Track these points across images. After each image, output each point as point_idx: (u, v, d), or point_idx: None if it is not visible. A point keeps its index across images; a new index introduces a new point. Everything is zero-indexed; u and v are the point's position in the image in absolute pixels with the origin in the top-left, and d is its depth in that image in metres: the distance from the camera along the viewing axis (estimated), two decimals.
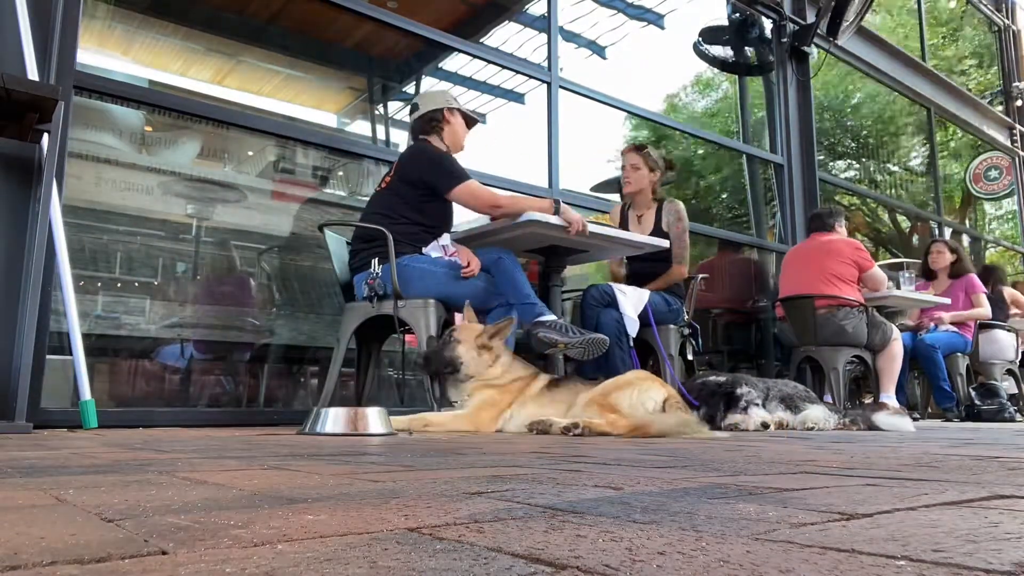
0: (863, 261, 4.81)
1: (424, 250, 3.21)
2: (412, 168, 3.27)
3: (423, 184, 3.22)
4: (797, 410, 3.45)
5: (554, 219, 3.24)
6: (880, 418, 3.44)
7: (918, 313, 5.93)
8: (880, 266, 5.14)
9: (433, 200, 3.25)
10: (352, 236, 3.34)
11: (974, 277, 5.94)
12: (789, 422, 3.40)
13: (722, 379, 3.46)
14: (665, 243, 3.82)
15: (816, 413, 3.43)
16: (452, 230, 3.47)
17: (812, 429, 3.31)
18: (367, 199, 3.95)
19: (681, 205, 4.17)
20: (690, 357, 4.07)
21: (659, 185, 4.25)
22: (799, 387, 3.69)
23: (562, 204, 3.31)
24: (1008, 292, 6.53)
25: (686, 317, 4.09)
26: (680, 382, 3.73)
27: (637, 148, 4.25)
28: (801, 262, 4.95)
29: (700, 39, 6.66)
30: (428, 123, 3.38)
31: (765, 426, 3.28)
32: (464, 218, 3.56)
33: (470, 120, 3.52)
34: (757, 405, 3.34)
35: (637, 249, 3.83)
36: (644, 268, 4.08)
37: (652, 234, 4.09)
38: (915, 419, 5.38)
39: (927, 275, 6.13)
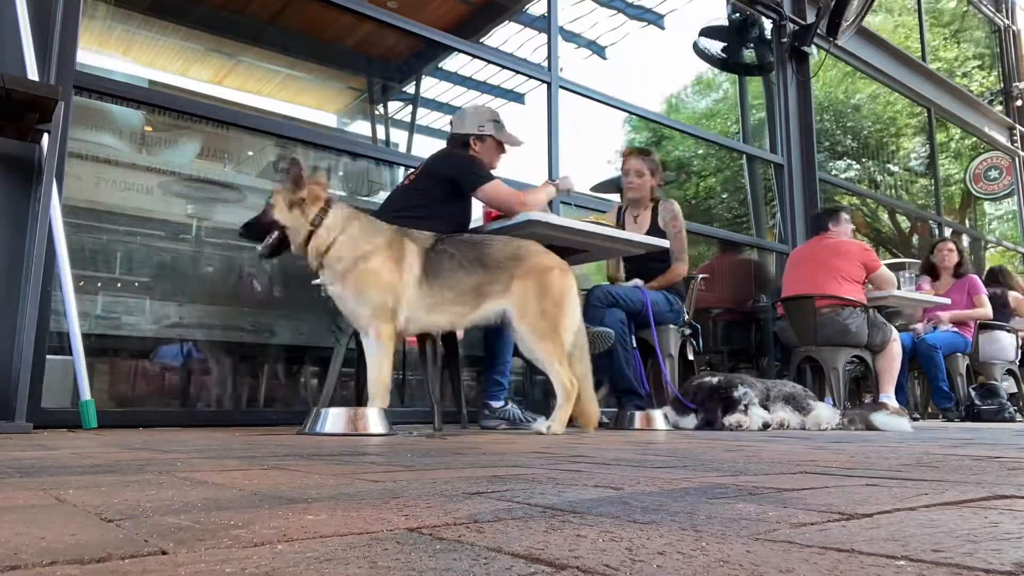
0: (871, 262, 4.82)
1: None
2: (440, 165, 3.32)
3: (448, 181, 3.23)
4: (805, 410, 3.46)
5: (553, 218, 3.25)
6: (878, 418, 3.44)
7: (923, 314, 5.91)
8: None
9: (455, 201, 3.25)
10: None
11: (976, 278, 5.94)
12: (790, 422, 3.40)
13: (716, 380, 3.46)
14: (665, 243, 3.82)
15: (826, 412, 3.44)
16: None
17: (826, 430, 3.32)
18: (366, 199, 3.94)
19: (676, 204, 4.19)
20: (690, 357, 4.08)
21: (657, 187, 4.28)
22: (798, 387, 3.69)
23: (561, 181, 3.51)
24: (1013, 296, 6.50)
25: (687, 317, 4.09)
26: (674, 385, 3.75)
27: (641, 153, 4.27)
28: (808, 262, 4.95)
29: (700, 38, 6.66)
30: (459, 145, 3.44)
31: (766, 426, 3.28)
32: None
33: (503, 144, 3.51)
34: (755, 405, 3.35)
35: (638, 249, 3.83)
36: (643, 268, 4.08)
37: (648, 233, 4.10)
38: (914, 419, 5.38)
39: (930, 272, 6.13)
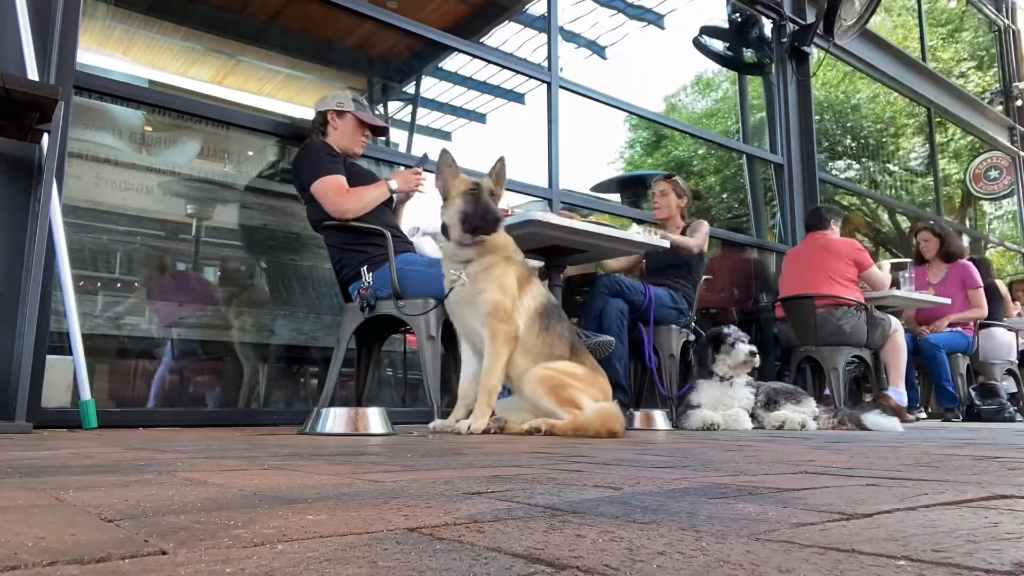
0: (862, 261, 4.81)
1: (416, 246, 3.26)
2: (293, 168, 3.28)
3: (301, 185, 3.19)
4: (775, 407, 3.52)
5: (553, 218, 3.25)
6: (869, 418, 3.45)
7: (915, 313, 5.90)
8: (881, 266, 5.14)
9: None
10: (328, 250, 3.30)
11: (970, 267, 5.87)
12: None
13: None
14: (665, 243, 3.83)
15: (784, 413, 3.46)
16: (427, 228, 3.45)
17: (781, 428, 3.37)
18: None
19: (705, 223, 4.40)
20: (691, 359, 4.09)
21: (687, 211, 4.50)
22: (787, 387, 3.73)
23: (395, 172, 3.37)
24: (1002, 286, 6.49)
25: (691, 322, 4.13)
26: (669, 386, 3.83)
27: (666, 177, 4.54)
28: (801, 262, 4.95)
29: (700, 34, 6.67)
30: (316, 127, 3.39)
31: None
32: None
33: (368, 124, 3.40)
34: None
35: (637, 249, 3.84)
36: (662, 275, 4.20)
37: None
38: (921, 418, 5.38)
39: (920, 261, 6.11)
